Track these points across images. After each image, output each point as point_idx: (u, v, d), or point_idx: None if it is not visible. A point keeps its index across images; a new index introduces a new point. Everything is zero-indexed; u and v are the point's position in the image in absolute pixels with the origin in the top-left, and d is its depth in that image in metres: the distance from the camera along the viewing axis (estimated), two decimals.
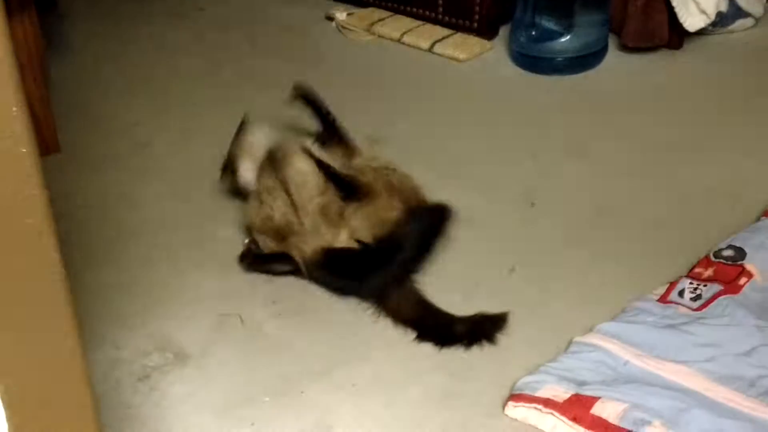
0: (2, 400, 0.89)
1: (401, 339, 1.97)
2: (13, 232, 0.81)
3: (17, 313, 0.85)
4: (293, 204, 2.03)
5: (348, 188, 2.05)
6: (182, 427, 1.80)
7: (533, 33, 2.97)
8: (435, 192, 2.25)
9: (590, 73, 2.98)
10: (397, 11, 3.33)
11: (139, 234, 2.34)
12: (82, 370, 0.93)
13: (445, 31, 3.19)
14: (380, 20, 3.29)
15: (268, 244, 2.15)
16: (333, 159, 2.19)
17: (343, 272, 2.02)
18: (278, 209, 2.05)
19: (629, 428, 1.66)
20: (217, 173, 2.51)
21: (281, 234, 2.07)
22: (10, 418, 0.91)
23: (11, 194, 0.80)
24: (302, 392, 1.87)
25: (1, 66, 0.75)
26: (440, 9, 3.22)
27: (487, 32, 3.17)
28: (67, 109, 2.84)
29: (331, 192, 2.04)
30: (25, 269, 0.83)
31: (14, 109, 0.79)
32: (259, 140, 2.32)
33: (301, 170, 2.06)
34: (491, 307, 2.03)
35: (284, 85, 3.05)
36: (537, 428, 1.74)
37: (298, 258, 2.06)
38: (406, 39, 3.18)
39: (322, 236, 2.03)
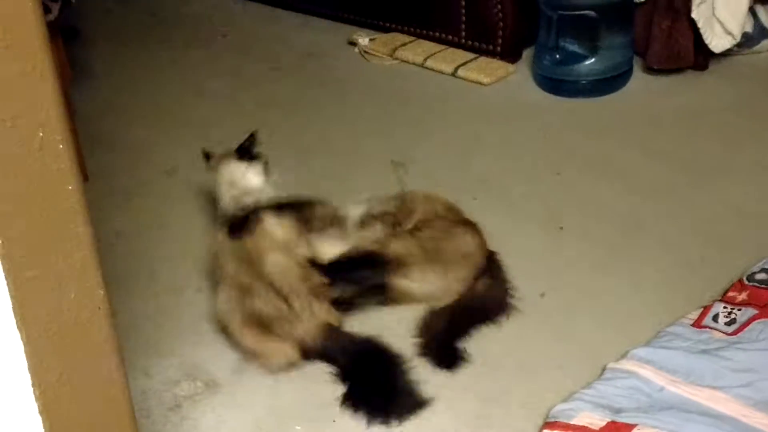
0: None
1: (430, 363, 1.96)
2: (61, 268, 0.81)
3: (65, 347, 0.84)
4: (280, 292, 2.00)
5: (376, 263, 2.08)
6: None
7: (557, 56, 2.97)
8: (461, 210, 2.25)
9: (615, 95, 2.97)
10: (419, 36, 3.34)
11: (169, 261, 2.35)
12: (127, 402, 0.93)
13: (469, 55, 3.19)
14: (403, 45, 3.30)
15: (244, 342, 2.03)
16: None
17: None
18: (263, 302, 2.00)
19: None
20: None
21: (266, 325, 2.00)
22: None
23: (58, 230, 0.80)
24: (334, 420, 1.86)
25: (52, 104, 0.75)
26: (463, 33, 3.23)
27: (511, 55, 3.17)
28: (92, 137, 2.85)
29: (315, 275, 2.04)
30: (72, 304, 0.83)
31: (61, 146, 0.79)
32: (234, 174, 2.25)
33: (277, 262, 2.04)
34: (522, 333, 2.02)
35: (308, 109, 3.07)
36: None
37: (287, 349, 1.99)
38: (429, 63, 3.19)
39: (315, 316, 2.00)
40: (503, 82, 3.09)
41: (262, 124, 2.96)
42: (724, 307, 1.99)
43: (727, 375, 1.82)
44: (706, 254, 2.23)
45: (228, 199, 2.20)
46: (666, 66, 2.97)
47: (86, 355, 0.86)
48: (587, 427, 1.72)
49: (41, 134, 0.77)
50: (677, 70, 2.99)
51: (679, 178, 2.54)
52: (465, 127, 2.89)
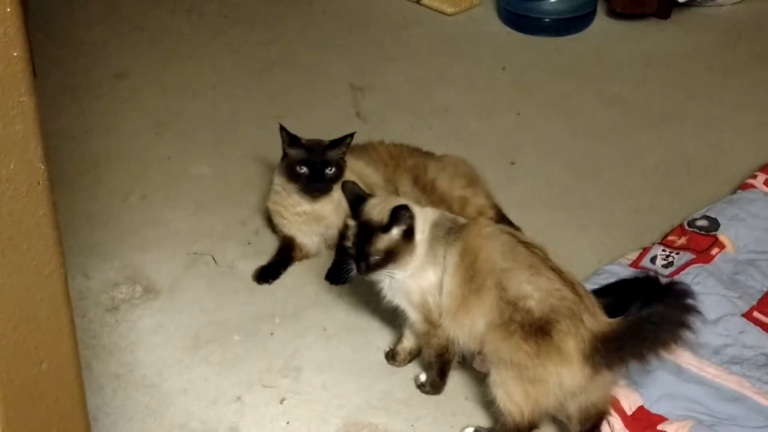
0: None
1: (371, 286, 1.95)
2: (0, 135, 0.78)
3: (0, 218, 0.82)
4: (565, 278, 1.58)
5: None
6: (151, 359, 1.79)
7: None
8: (416, 140, 2.22)
9: (577, 36, 2.96)
10: None
11: (114, 165, 2.31)
12: (62, 279, 0.91)
13: None
14: None
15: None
16: None
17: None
18: (539, 291, 1.56)
19: None
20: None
21: (540, 326, 1.54)
22: None
23: (1, 96, 0.77)
24: (272, 333, 1.86)
25: None
26: None
27: None
28: (44, 34, 2.78)
29: None
30: (11, 176, 0.80)
31: (8, 9, 0.76)
32: None
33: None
34: None
35: (273, 25, 3.02)
36: None
37: (576, 351, 1.54)
38: None
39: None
40: (467, 13, 3.06)
41: (217, 32, 2.93)
42: (663, 250, 2.02)
43: None
44: (654, 200, 2.25)
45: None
46: (629, 11, 2.97)
47: (23, 229, 0.83)
48: None
49: None
50: (640, 16, 2.99)
51: (634, 123, 2.56)
52: (426, 56, 2.87)
